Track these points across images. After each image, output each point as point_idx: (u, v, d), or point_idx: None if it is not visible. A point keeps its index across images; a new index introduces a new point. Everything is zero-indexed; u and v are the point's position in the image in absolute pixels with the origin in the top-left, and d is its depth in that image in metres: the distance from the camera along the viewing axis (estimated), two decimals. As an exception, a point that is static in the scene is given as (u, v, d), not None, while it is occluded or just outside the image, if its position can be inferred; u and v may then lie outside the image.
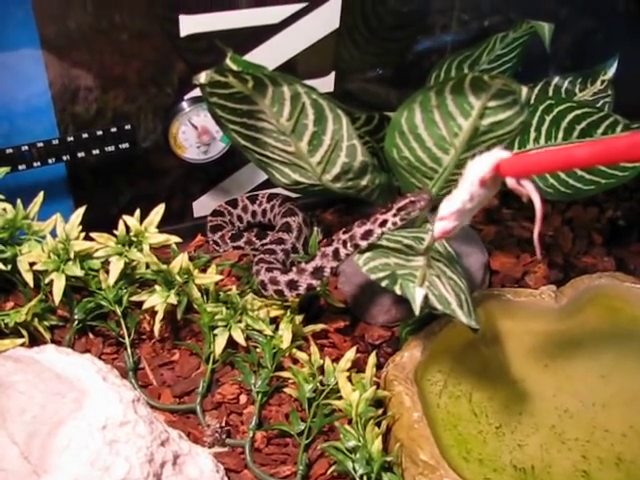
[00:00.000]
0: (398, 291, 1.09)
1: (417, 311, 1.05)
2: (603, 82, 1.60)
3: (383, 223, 1.21)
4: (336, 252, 1.27)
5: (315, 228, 1.53)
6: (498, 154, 0.86)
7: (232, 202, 1.66)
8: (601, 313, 1.36)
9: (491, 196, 0.91)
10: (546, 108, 1.42)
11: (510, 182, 0.85)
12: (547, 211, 1.75)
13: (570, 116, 1.41)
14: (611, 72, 1.59)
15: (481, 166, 0.86)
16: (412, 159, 1.24)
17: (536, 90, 1.60)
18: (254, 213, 1.65)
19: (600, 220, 1.76)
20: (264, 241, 1.56)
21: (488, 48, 1.46)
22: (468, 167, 0.88)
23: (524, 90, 1.05)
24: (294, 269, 1.30)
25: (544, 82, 1.61)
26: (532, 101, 1.56)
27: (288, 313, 1.30)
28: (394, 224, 1.20)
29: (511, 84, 1.05)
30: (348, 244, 1.24)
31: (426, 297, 1.06)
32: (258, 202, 1.64)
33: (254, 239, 1.57)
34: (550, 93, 1.59)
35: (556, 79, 1.61)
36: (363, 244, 1.22)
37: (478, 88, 1.07)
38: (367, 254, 1.17)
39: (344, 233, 1.26)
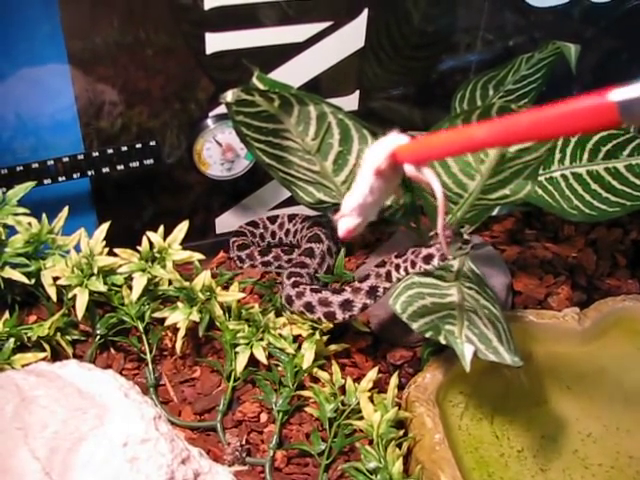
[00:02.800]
0: (443, 341, 1.08)
1: (468, 368, 1.03)
2: (628, 103, 1.59)
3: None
4: (389, 274, 1.27)
5: (342, 249, 1.52)
6: (394, 140, 0.79)
7: (272, 218, 1.67)
8: (625, 336, 1.35)
9: (394, 186, 0.85)
10: (571, 129, 1.41)
11: (409, 170, 0.79)
12: (571, 232, 1.74)
13: (596, 137, 1.41)
14: (637, 93, 1.58)
15: (376, 155, 0.80)
16: (437, 184, 1.24)
17: (561, 110, 1.59)
18: (287, 232, 1.65)
19: (624, 242, 1.74)
20: (265, 259, 1.56)
21: (514, 69, 1.45)
22: (364, 157, 0.82)
23: None
24: (348, 289, 1.29)
25: (569, 103, 1.60)
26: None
27: (317, 334, 1.28)
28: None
29: None
30: (401, 268, 1.24)
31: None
32: (293, 222, 1.64)
33: (256, 254, 1.57)
34: (575, 114, 1.58)
35: (581, 100, 1.60)
36: (419, 268, 1.23)
37: None
38: (402, 298, 1.17)
39: (396, 257, 1.27)
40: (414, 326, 1.12)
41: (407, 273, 1.25)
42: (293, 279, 1.36)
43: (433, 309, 1.15)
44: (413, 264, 1.23)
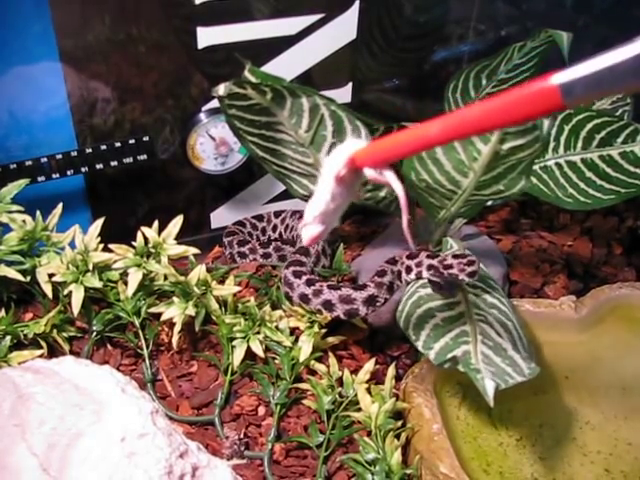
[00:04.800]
0: (462, 369, 1.08)
1: (492, 404, 1.03)
2: (622, 91, 1.59)
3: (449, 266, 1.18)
4: (399, 274, 1.28)
5: (341, 245, 1.50)
6: (351, 145, 0.80)
7: (277, 212, 1.67)
8: (622, 324, 1.34)
9: (356, 191, 0.86)
10: (565, 117, 1.41)
11: (369, 173, 0.80)
12: (566, 221, 1.74)
13: (589, 125, 1.41)
14: (630, 81, 1.58)
15: (335, 162, 0.81)
16: (431, 182, 1.24)
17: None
18: (287, 227, 1.65)
19: (620, 230, 1.74)
20: (241, 249, 1.56)
21: (506, 58, 1.45)
22: (324, 164, 0.82)
23: (546, 123, 1.04)
24: (370, 284, 1.27)
25: (562, 91, 1.60)
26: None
27: (315, 327, 1.27)
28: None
29: None
30: (412, 272, 1.24)
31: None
32: (292, 218, 1.64)
33: (235, 244, 1.57)
34: (568, 102, 1.58)
35: (574, 88, 1.60)
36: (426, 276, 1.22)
37: None
38: (413, 320, 1.16)
39: (408, 258, 1.26)
40: (431, 356, 1.11)
41: (418, 278, 1.25)
42: (305, 277, 1.32)
43: (445, 327, 1.15)
44: (430, 268, 1.23)
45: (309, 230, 0.86)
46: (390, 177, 0.79)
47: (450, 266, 1.15)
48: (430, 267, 1.21)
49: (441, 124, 0.71)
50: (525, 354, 1.13)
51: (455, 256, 1.17)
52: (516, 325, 1.17)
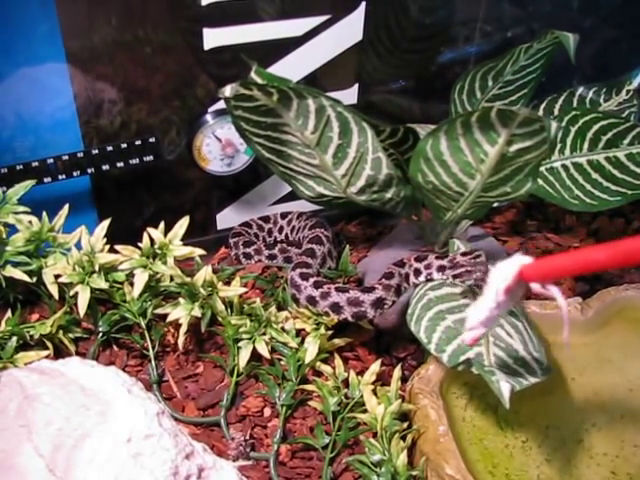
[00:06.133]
0: (476, 371, 1.09)
1: (507, 406, 1.03)
2: (628, 92, 1.59)
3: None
4: (407, 276, 1.28)
5: (347, 246, 1.50)
6: (520, 261, 0.86)
7: (284, 214, 1.67)
8: (628, 325, 1.34)
9: (518, 299, 0.91)
10: (571, 119, 1.41)
11: (535, 287, 0.85)
12: (572, 223, 1.74)
13: (596, 127, 1.41)
14: (636, 82, 1.58)
15: (505, 275, 0.87)
16: (437, 183, 1.23)
17: (560, 100, 1.59)
18: (292, 229, 1.64)
19: (626, 231, 1.74)
20: (247, 250, 1.56)
21: (512, 59, 1.45)
22: (492, 276, 0.88)
23: (553, 125, 1.03)
24: (378, 286, 1.26)
25: (568, 92, 1.60)
26: (557, 112, 1.56)
27: (322, 328, 1.27)
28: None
29: (539, 117, 1.03)
30: (422, 275, 1.25)
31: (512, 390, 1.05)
32: (299, 219, 1.64)
33: (240, 245, 1.57)
34: (574, 103, 1.58)
35: (580, 89, 1.60)
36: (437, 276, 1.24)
37: (505, 118, 1.05)
38: (424, 322, 1.16)
39: (417, 261, 1.27)
40: (444, 359, 1.12)
41: (428, 280, 1.26)
42: (312, 279, 1.31)
43: (457, 330, 1.15)
44: (440, 269, 1.24)
45: (473, 333, 0.94)
46: (555, 292, 0.84)
47: (460, 264, 1.17)
48: (440, 268, 1.22)
49: (609, 250, 0.74)
50: (536, 354, 1.13)
51: (463, 254, 1.18)
52: (526, 326, 1.17)
